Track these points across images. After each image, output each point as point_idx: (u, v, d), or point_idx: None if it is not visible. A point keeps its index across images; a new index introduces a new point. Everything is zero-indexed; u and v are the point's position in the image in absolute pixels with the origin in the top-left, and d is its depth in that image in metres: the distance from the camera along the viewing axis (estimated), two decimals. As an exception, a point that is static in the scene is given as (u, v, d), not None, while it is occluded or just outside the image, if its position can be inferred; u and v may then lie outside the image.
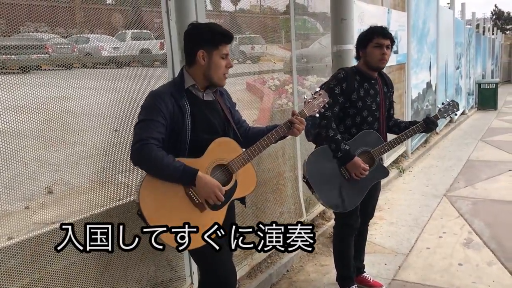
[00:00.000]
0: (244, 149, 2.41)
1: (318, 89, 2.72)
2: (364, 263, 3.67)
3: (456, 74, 11.56)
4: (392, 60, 6.59)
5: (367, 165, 3.09)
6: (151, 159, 2.12)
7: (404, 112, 7.30)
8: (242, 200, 2.54)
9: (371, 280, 3.58)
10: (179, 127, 2.26)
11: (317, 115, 2.65)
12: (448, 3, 12.34)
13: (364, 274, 3.61)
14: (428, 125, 3.18)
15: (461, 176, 6.68)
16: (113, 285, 2.54)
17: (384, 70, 6.06)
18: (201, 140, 2.31)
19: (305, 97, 2.65)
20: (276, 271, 3.74)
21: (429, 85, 8.81)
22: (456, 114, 3.45)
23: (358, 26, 5.05)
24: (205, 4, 2.97)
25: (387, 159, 6.69)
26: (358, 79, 3.12)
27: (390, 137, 3.29)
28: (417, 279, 3.68)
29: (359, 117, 3.12)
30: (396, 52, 6.71)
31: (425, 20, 8.31)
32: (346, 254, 3.36)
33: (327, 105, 2.72)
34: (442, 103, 3.42)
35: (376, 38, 3.04)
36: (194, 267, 3.03)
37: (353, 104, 3.09)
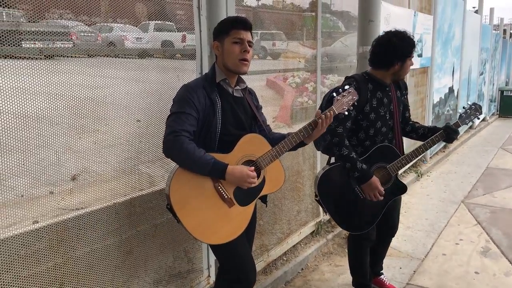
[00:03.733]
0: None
1: (347, 86, 2.65)
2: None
3: (479, 80, 11.38)
4: (416, 63, 6.52)
5: (383, 186, 2.91)
6: (182, 152, 2.13)
7: (425, 116, 7.24)
8: (264, 199, 2.55)
9: (387, 283, 3.54)
10: (210, 120, 2.28)
11: (346, 113, 2.62)
12: (473, 7, 12.14)
13: (381, 276, 3.57)
14: (449, 134, 2.98)
15: (479, 184, 6.59)
16: (133, 273, 2.57)
17: (408, 74, 6.02)
18: (230, 135, 2.32)
19: (334, 95, 2.63)
20: (291, 269, 3.75)
21: (451, 90, 8.70)
22: (479, 118, 3.11)
23: (383, 28, 5.00)
24: (235, -1, 2.97)
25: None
26: (371, 87, 2.91)
27: (406, 143, 3.09)
28: (432, 285, 3.66)
29: (372, 129, 2.93)
30: (420, 56, 6.63)
31: (451, 24, 8.20)
32: (362, 264, 3.27)
33: (356, 103, 2.67)
34: (463, 107, 3.14)
35: (413, 51, 2.90)
36: (212, 260, 3.06)
37: (365, 117, 2.90)
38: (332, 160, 3.07)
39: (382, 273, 3.60)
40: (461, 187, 6.41)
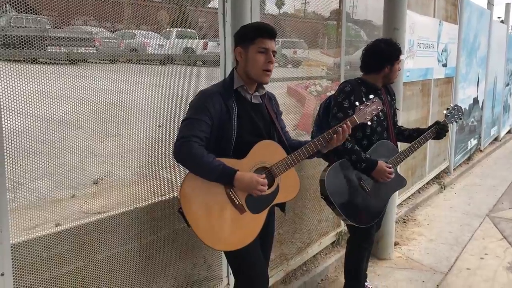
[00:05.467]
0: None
1: (371, 96, 2.68)
2: (379, 275, 3.73)
3: (505, 91, 11.16)
4: (441, 73, 6.43)
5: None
6: (190, 156, 2.12)
7: (449, 127, 7.10)
8: (282, 207, 2.51)
9: None
10: (226, 127, 2.26)
11: (369, 123, 2.62)
12: (499, 17, 11.93)
13: (366, 283, 3.57)
14: (439, 131, 3.23)
15: (505, 197, 6.42)
16: (152, 279, 2.56)
17: (432, 83, 5.94)
18: (246, 142, 2.29)
19: (357, 104, 2.61)
20: (310, 279, 3.69)
21: (475, 101, 8.54)
22: (461, 119, 3.44)
23: (408, 36, 4.95)
24: (260, 6, 2.96)
25: (428, 174, 6.52)
26: (364, 90, 3.06)
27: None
28: (456, 300, 3.56)
29: (368, 128, 3.06)
30: (445, 65, 6.54)
31: (477, 34, 8.07)
32: (358, 269, 3.34)
33: (380, 113, 2.67)
34: (447, 108, 3.41)
35: (400, 56, 3.14)
36: (231, 268, 3.03)
37: (375, 119, 3.02)
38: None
39: (366, 281, 3.60)
40: (486, 200, 6.26)
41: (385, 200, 3.19)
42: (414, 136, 3.26)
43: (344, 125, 2.49)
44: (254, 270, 2.38)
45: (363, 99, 2.94)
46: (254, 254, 2.36)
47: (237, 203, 2.22)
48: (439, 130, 3.24)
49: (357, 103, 2.64)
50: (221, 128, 2.26)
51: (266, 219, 2.34)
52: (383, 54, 3.07)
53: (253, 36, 2.28)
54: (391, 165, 3.05)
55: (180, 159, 2.17)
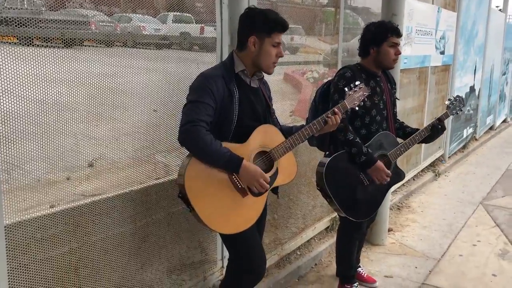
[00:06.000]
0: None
1: (358, 82, 2.69)
2: (372, 261, 3.75)
3: (501, 80, 11.16)
4: (438, 60, 6.42)
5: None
6: (198, 143, 2.11)
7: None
8: (275, 190, 2.53)
9: (365, 275, 3.59)
10: (227, 111, 2.25)
11: (357, 108, 2.67)
12: (497, 6, 11.88)
13: (358, 269, 3.60)
14: (437, 128, 3.14)
15: (499, 185, 6.47)
16: (146, 261, 2.58)
17: (430, 70, 5.90)
18: (245, 126, 2.30)
19: (346, 90, 2.63)
20: (304, 264, 3.72)
21: (472, 89, 8.54)
22: (462, 110, 3.40)
23: (406, 23, 4.92)
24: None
25: (423, 162, 6.55)
26: (364, 77, 2.98)
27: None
28: (448, 286, 3.60)
29: (368, 117, 3.00)
30: (442, 53, 6.52)
31: (475, 21, 8.04)
32: (350, 256, 3.34)
33: (366, 99, 2.70)
34: (449, 99, 3.35)
35: (391, 37, 2.96)
36: (226, 251, 3.04)
37: (361, 104, 2.96)
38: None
39: (359, 266, 3.63)
40: (480, 188, 6.30)
41: (383, 194, 3.16)
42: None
43: (335, 109, 2.53)
44: (254, 252, 2.41)
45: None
46: (253, 237, 2.39)
47: (239, 186, 2.23)
48: (437, 127, 3.15)
49: (346, 89, 2.64)
50: (223, 112, 2.25)
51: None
52: (367, 37, 3.01)
53: (270, 30, 2.27)
54: (389, 171, 2.98)
55: (186, 144, 2.16)
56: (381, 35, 2.96)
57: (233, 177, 2.21)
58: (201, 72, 2.31)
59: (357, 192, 3.01)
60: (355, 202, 3.02)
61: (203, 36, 2.99)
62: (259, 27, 2.27)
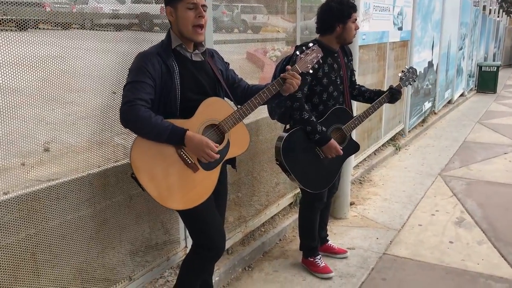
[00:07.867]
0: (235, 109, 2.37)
1: (311, 44, 2.65)
2: (335, 234, 3.81)
3: (458, 55, 11.46)
4: (396, 36, 6.52)
5: (339, 145, 3.10)
6: (138, 120, 2.09)
7: (404, 90, 7.26)
8: (233, 163, 2.53)
9: (335, 248, 3.71)
10: (168, 87, 2.24)
11: (311, 71, 2.62)
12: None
13: (328, 242, 3.72)
14: (393, 95, 3.28)
15: (456, 157, 6.70)
16: (107, 244, 2.56)
17: (388, 46, 5.99)
18: (191, 101, 2.28)
19: (297, 53, 2.60)
20: (269, 240, 3.78)
21: (430, 64, 8.74)
22: (415, 81, 3.56)
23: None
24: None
25: (384, 136, 6.70)
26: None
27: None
28: (407, 255, 3.74)
29: (325, 93, 3.10)
30: (400, 29, 6.62)
31: (432, -3, 8.18)
32: (312, 227, 3.42)
33: (321, 61, 2.71)
34: (402, 71, 3.47)
35: (354, 13, 3.08)
36: (189, 231, 3.06)
37: (319, 82, 3.06)
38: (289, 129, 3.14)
39: (328, 239, 3.74)
40: (439, 160, 6.52)
41: (339, 166, 3.26)
42: (374, 99, 3.30)
43: (288, 74, 2.43)
44: (212, 228, 2.41)
45: (321, 63, 2.97)
46: (210, 212, 2.39)
47: (189, 162, 2.22)
48: (393, 95, 3.29)
49: (297, 52, 2.62)
50: (164, 88, 2.23)
51: (219, 176, 2.36)
52: (333, 13, 3.05)
53: None
54: (341, 148, 3.08)
55: (128, 124, 2.14)
56: (347, 12, 3.05)
57: (181, 152, 2.20)
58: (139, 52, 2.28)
59: (314, 165, 3.11)
60: (312, 174, 3.12)
61: (163, 17, 2.93)
62: None
